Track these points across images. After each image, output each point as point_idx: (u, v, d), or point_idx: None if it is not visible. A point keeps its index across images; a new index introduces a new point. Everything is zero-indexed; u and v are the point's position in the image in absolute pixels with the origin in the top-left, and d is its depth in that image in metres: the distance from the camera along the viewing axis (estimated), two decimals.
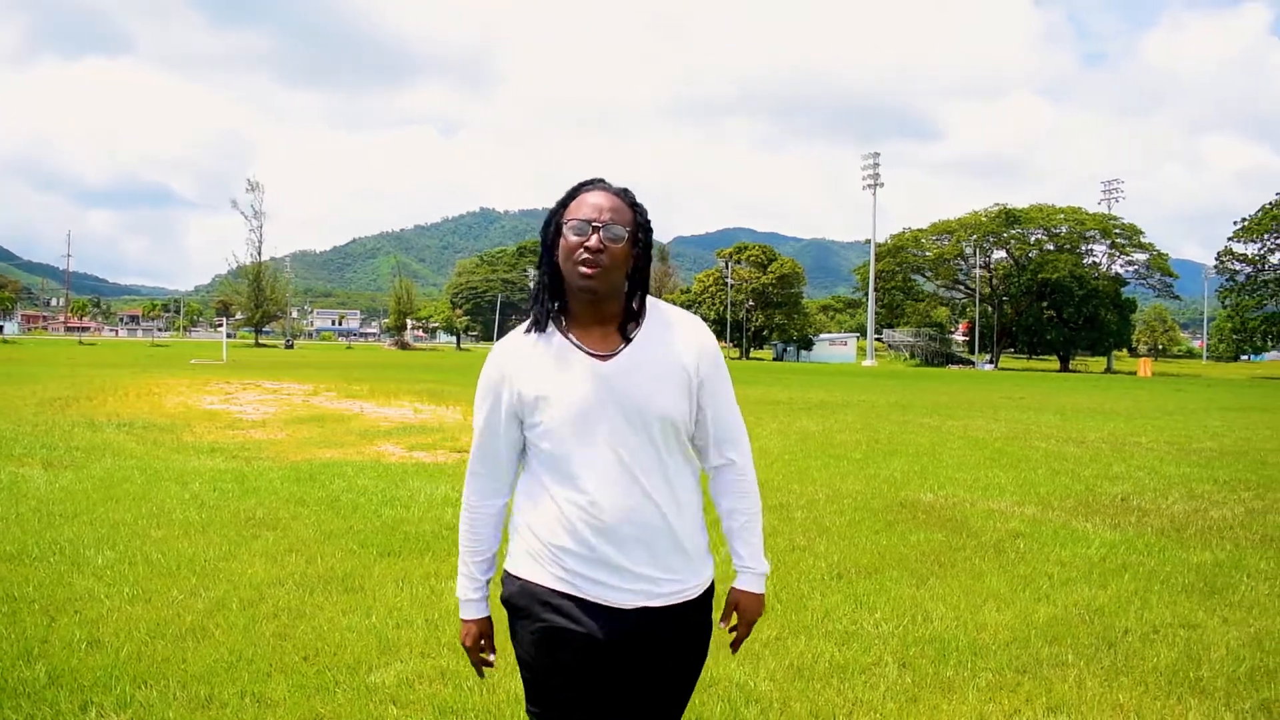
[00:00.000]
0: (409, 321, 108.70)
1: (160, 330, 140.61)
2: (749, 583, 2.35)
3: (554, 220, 2.22)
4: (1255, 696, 4.21)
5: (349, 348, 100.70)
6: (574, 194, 2.22)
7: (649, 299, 2.30)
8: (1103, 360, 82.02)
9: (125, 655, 4.34)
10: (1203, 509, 8.94)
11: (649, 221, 2.25)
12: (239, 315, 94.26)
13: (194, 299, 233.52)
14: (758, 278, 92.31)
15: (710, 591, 2.34)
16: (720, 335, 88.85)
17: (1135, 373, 66.08)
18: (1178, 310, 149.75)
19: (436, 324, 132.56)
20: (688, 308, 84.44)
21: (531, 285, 2.25)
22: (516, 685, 4.08)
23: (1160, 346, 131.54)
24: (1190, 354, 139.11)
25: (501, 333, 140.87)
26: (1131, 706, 4.08)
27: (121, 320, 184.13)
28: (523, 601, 2.25)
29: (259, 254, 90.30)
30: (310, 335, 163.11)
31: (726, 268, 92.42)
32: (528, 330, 2.25)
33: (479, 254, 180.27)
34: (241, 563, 6.02)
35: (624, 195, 2.22)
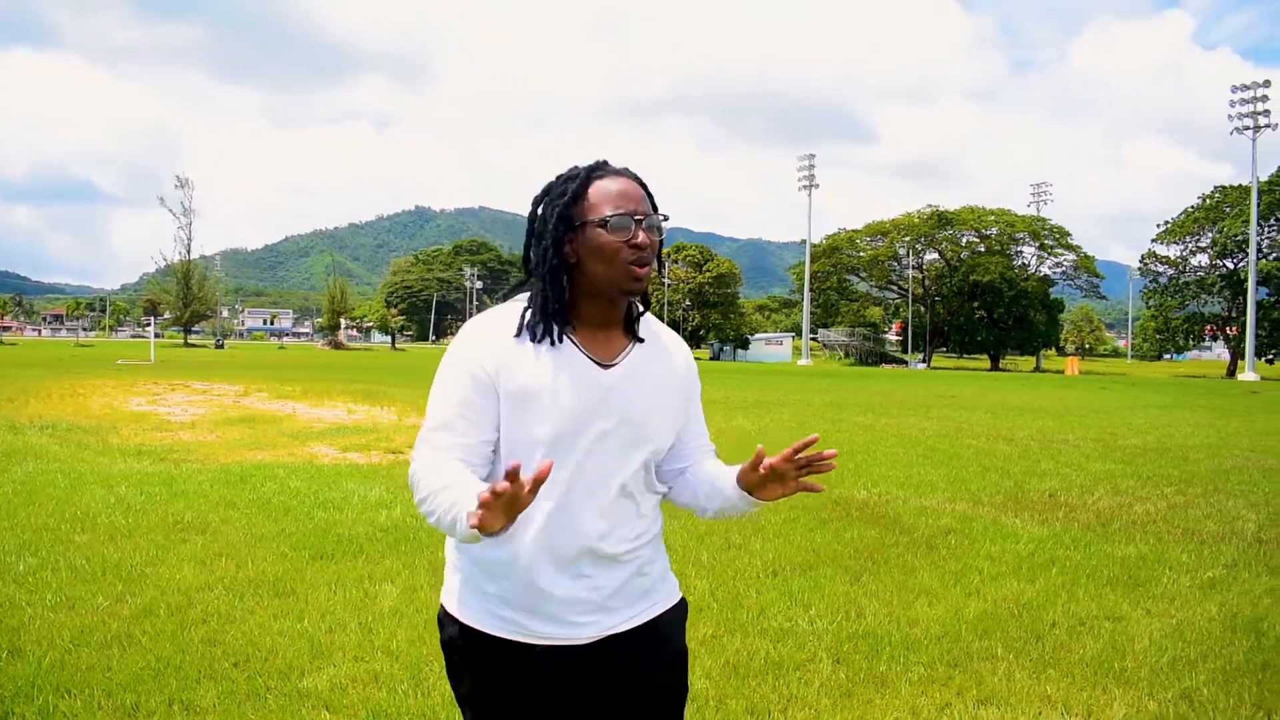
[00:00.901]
0: (343, 321, 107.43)
1: (85, 330, 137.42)
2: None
3: (567, 213, 1.89)
4: (1177, 686, 4.33)
5: (281, 347, 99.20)
6: (587, 181, 1.91)
7: None
8: (1032, 359, 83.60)
9: (48, 664, 4.23)
10: (1127, 504, 9.15)
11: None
12: (167, 315, 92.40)
13: (120, 298, 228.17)
14: (694, 277, 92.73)
15: (681, 608, 2.13)
16: None
17: (1063, 371, 67.48)
18: (1104, 310, 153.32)
19: (371, 324, 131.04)
20: None
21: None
22: (450, 688, 4.06)
23: (1087, 346, 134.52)
24: (1116, 353, 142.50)
25: (439, 333, 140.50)
26: (1059, 697, 4.17)
27: (44, 319, 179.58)
28: (466, 649, 2.01)
29: (188, 252, 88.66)
30: (241, 335, 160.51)
31: (663, 267, 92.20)
32: (518, 333, 1.92)
33: (415, 253, 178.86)
34: (169, 567, 5.90)
35: (638, 178, 1.96)
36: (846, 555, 6.68)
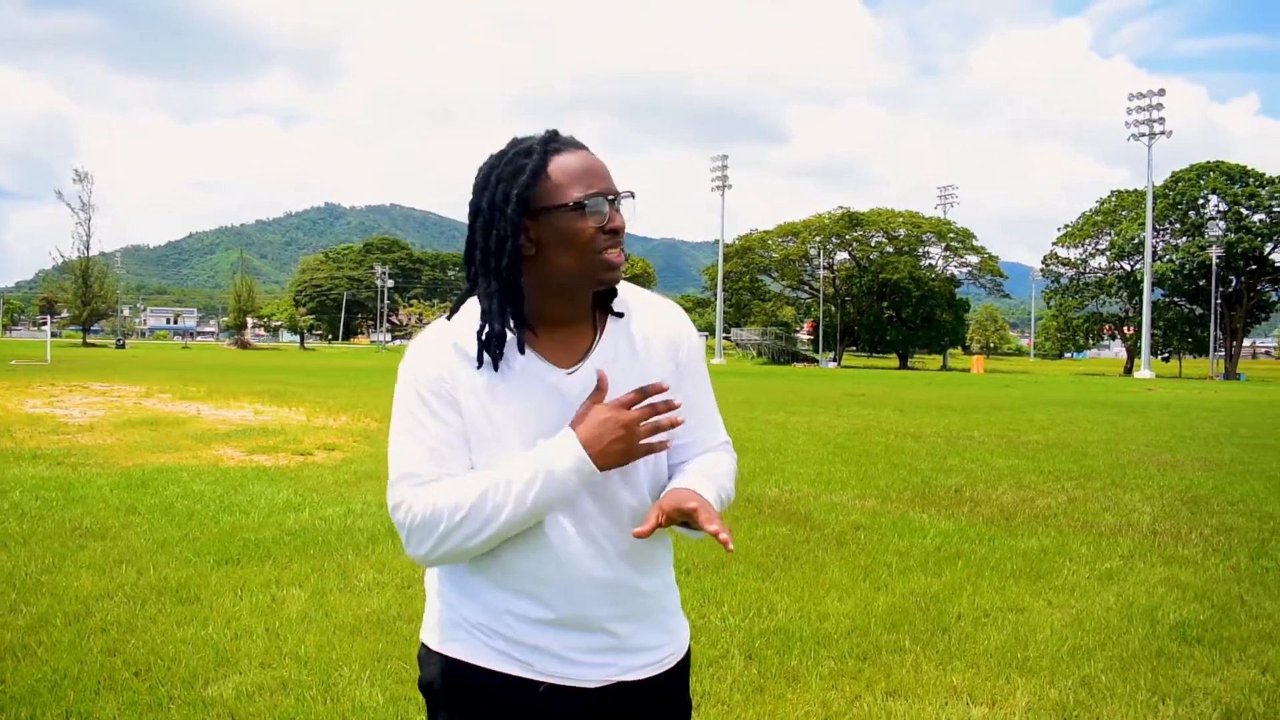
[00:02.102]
0: (250, 320, 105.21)
1: None
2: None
3: (525, 195, 1.59)
4: (1077, 674, 4.46)
5: (185, 347, 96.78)
6: (544, 157, 1.61)
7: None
8: (939, 358, 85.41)
9: None
10: (1030, 498, 9.41)
11: None
12: (65, 313, 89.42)
13: (15, 296, 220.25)
14: None
15: (688, 659, 1.87)
16: None
17: (969, 370, 69.07)
18: (1007, 310, 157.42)
19: (279, 323, 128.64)
20: None
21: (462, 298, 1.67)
22: (362, 694, 4.00)
23: (992, 345, 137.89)
24: (1019, 351, 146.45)
25: (349, 332, 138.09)
26: (964, 688, 4.26)
27: None
28: (452, 690, 1.71)
29: (87, 248, 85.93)
30: (143, 334, 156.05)
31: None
32: (478, 360, 1.64)
33: (324, 250, 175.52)
34: (67, 576, 5.71)
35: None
36: (758, 552, 6.75)
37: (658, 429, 1.60)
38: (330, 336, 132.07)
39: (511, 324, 1.63)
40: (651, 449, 1.61)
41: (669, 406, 1.60)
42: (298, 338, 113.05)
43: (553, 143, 1.63)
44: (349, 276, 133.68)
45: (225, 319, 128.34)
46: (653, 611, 1.76)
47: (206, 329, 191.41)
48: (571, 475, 1.58)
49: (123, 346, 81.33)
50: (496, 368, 1.63)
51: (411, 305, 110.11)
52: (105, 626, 4.80)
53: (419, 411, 1.65)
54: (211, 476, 9.46)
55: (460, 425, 1.64)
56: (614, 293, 1.73)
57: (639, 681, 1.73)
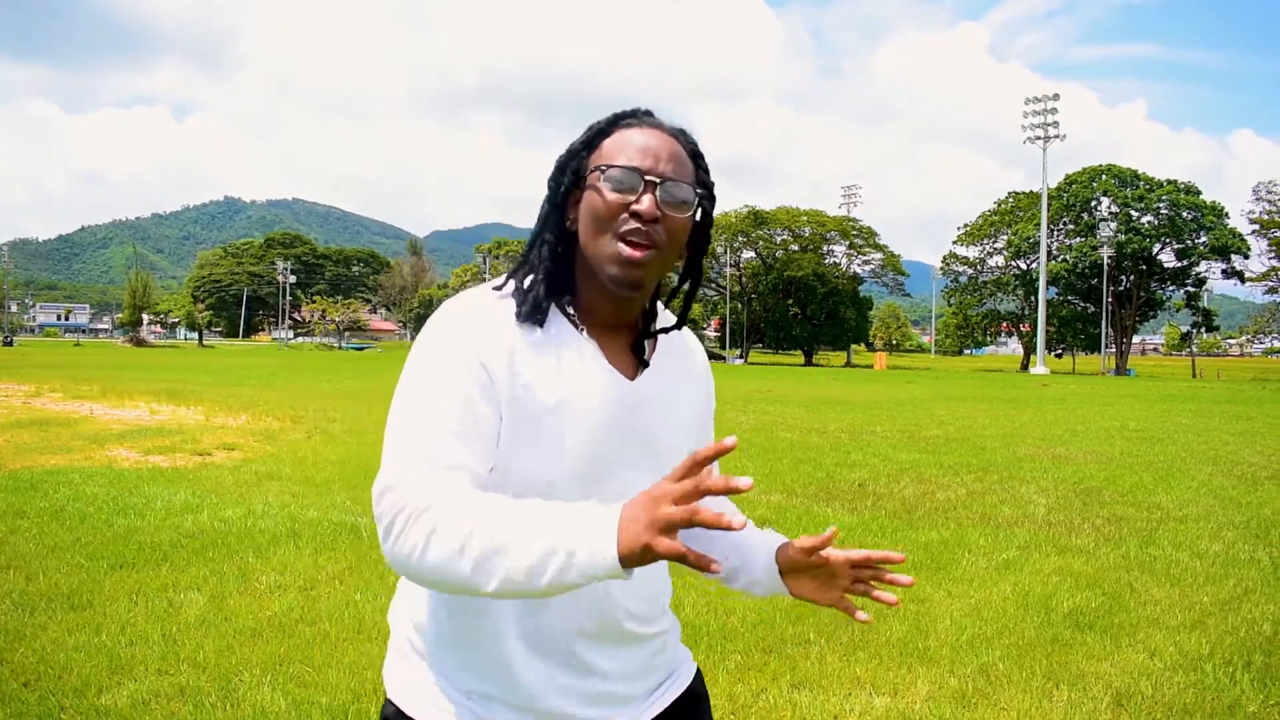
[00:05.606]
0: (146, 317, 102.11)
1: None
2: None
3: (573, 164, 1.44)
4: (975, 662, 4.58)
5: (77, 345, 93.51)
6: (609, 127, 1.44)
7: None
8: (843, 354, 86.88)
9: None
10: (930, 492, 9.62)
11: (712, 183, 1.48)
12: None
13: None
14: None
15: (700, 678, 1.71)
16: None
17: (872, 366, 70.35)
18: (909, 308, 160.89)
19: (177, 319, 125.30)
20: None
21: (524, 258, 1.46)
22: (263, 699, 3.91)
23: (894, 341, 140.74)
24: (920, 348, 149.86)
25: (249, 329, 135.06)
26: (868, 678, 4.34)
27: None
28: None
29: None
30: (32, 331, 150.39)
31: (485, 263, 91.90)
32: (520, 318, 1.39)
33: (223, 245, 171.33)
34: None
35: (683, 137, 1.46)
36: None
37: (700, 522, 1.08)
38: (237, 333, 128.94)
39: (561, 299, 1.44)
40: (682, 556, 1.10)
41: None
42: (196, 335, 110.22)
43: (629, 116, 1.45)
44: (249, 272, 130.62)
45: (120, 316, 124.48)
46: (666, 651, 1.61)
47: (100, 326, 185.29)
48: (587, 568, 1.14)
49: (10, 344, 78.30)
50: (540, 324, 1.40)
51: (314, 302, 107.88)
52: None
53: (451, 390, 1.32)
54: (105, 478, 9.16)
55: (491, 421, 1.34)
56: (654, 331, 1.51)
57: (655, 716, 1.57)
